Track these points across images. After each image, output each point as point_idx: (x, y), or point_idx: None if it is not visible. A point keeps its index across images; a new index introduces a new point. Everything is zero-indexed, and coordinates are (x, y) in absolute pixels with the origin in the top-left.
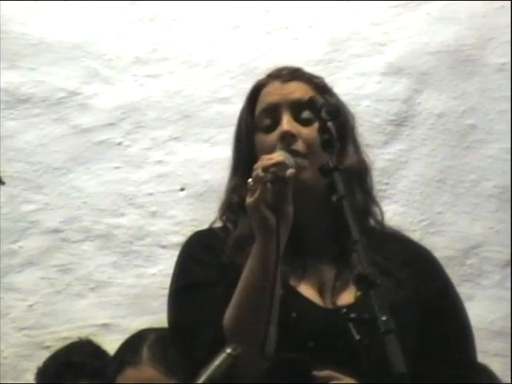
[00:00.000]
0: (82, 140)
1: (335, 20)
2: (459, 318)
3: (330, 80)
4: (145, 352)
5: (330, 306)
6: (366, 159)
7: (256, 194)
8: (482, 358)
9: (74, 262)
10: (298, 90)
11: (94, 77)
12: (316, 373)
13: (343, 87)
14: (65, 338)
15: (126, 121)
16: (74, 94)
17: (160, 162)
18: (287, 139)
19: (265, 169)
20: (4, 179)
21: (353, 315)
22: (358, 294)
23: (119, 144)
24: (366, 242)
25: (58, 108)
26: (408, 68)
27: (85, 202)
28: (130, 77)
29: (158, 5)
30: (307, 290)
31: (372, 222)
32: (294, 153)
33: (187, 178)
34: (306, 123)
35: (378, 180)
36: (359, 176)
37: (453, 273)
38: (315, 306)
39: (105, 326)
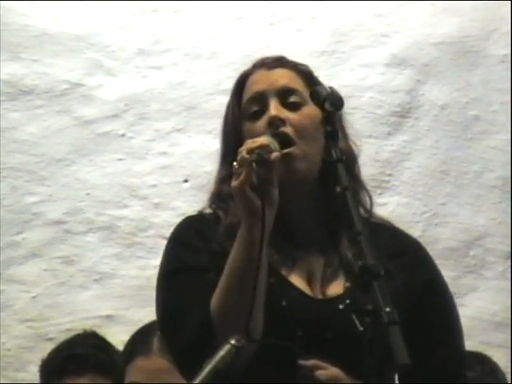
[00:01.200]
0: (85, 132)
1: (338, 11)
2: (448, 310)
3: (334, 71)
4: (155, 342)
5: (319, 295)
6: (354, 146)
7: (241, 177)
8: (484, 349)
9: (78, 253)
10: (283, 76)
11: (97, 68)
12: (302, 362)
13: (346, 78)
14: (68, 330)
15: (129, 112)
16: (77, 85)
17: (163, 153)
18: (275, 124)
19: (249, 151)
20: (6, 171)
21: (341, 306)
22: (347, 284)
23: (122, 136)
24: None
25: (60, 100)
26: (411, 59)
27: (88, 194)
28: (133, 68)
29: None
30: (297, 280)
31: (361, 210)
32: (283, 135)
33: (190, 169)
34: (293, 108)
35: (381, 171)
36: (348, 163)
37: (456, 264)
38: (305, 295)
39: (108, 317)
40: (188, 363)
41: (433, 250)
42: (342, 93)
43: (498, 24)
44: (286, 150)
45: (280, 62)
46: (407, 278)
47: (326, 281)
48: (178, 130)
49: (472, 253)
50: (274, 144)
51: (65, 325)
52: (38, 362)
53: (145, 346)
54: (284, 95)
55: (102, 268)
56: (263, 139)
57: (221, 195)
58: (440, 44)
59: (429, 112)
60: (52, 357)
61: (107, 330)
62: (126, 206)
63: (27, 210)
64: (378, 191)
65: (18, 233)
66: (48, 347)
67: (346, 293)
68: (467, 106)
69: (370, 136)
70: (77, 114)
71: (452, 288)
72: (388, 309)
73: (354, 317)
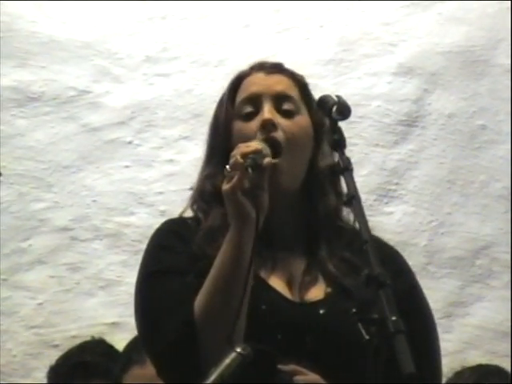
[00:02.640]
0: (92, 139)
1: (346, 20)
2: (426, 319)
3: (341, 80)
4: None
5: (298, 300)
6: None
7: (234, 181)
8: (490, 358)
9: (84, 260)
10: (281, 83)
11: (104, 75)
12: (281, 367)
13: (354, 87)
14: (74, 337)
15: (137, 120)
16: (85, 92)
17: (170, 161)
18: (268, 128)
19: (243, 155)
20: (13, 177)
21: (322, 311)
22: (328, 290)
23: (129, 143)
24: (338, 239)
25: (68, 106)
26: (418, 68)
27: (94, 201)
28: (141, 76)
29: (168, 4)
30: (277, 283)
31: (341, 222)
32: (273, 141)
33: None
34: (286, 115)
35: (388, 180)
36: (333, 177)
37: (462, 273)
38: (285, 299)
39: (114, 324)
40: (167, 364)
41: (439, 259)
42: (349, 101)
43: (505, 34)
44: (274, 161)
45: (278, 69)
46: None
47: (306, 285)
48: (185, 138)
49: (478, 262)
50: (266, 149)
51: (71, 331)
52: (44, 369)
53: (140, 354)
54: (279, 101)
55: (108, 275)
56: (257, 144)
57: (203, 194)
58: (447, 53)
59: (436, 121)
60: (60, 363)
61: (113, 337)
62: (132, 214)
63: (34, 217)
64: (385, 200)
65: (25, 239)
66: (54, 354)
67: (326, 298)
68: (474, 116)
69: (376, 145)
70: (84, 120)
71: (458, 297)
72: (394, 317)
73: (360, 325)
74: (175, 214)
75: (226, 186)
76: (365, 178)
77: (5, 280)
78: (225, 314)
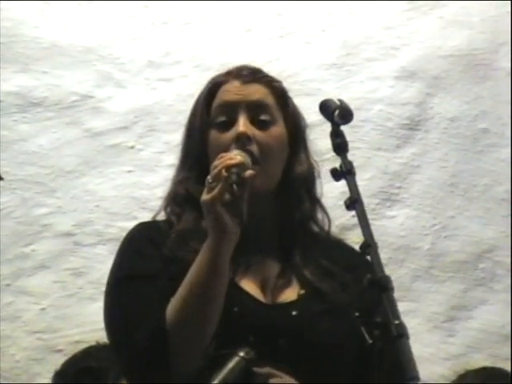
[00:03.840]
0: (94, 143)
1: (348, 24)
2: None
3: (343, 84)
4: None
5: (270, 302)
6: (315, 166)
7: (215, 192)
8: (493, 362)
9: (87, 265)
10: (257, 93)
11: (106, 80)
12: (256, 369)
13: (356, 91)
14: (77, 342)
15: (139, 124)
16: (87, 97)
17: (173, 165)
18: (242, 141)
19: (227, 168)
20: (16, 182)
21: (294, 312)
22: (302, 292)
23: (132, 148)
24: (312, 246)
25: (70, 111)
26: (421, 72)
27: (97, 206)
28: (143, 80)
29: (170, 8)
30: (249, 286)
31: (316, 228)
32: (248, 153)
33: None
34: (262, 127)
35: (390, 184)
36: (308, 183)
37: (465, 277)
38: (257, 301)
39: None
40: (137, 374)
41: (442, 263)
42: (352, 105)
43: (507, 37)
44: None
45: (255, 77)
46: (359, 290)
47: (280, 287)
48: None
49: (481, 266)
50: (247, 160)
51: (74, 337)
52: (47, 374)
53: None
54: (255, 111)
55: None
56: (240, 157)
57: (176, 197)
58: (449, 57)
59: (438, 125)
60: (66, 369)
61: None
62: (135, 218)
63: (36, 222)
64: (388, 204)
65: (28, 244)
66: (57, 359)
67: (299, 300)
68: (476, 119)
69: (379, 149)
70: (86, 125)
71: (461, 301)
72: (397, 321)
73: (363, 329)
74: None
75: (205, 197)
76: (367, 181)
77: (8, 285)
78: (198, 322)
